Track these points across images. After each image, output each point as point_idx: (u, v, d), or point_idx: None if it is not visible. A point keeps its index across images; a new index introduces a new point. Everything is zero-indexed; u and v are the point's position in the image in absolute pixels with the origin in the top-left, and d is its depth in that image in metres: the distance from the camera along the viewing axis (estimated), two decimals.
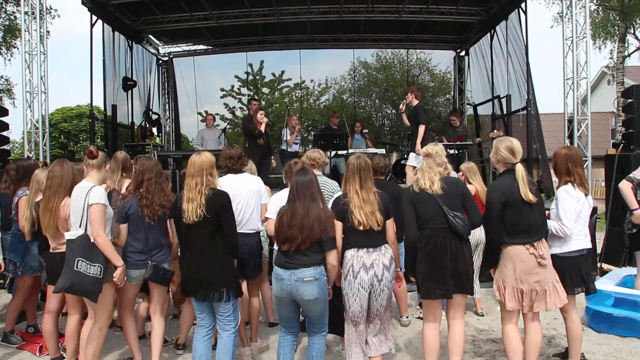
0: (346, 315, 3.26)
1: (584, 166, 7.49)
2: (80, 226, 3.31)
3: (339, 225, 3.21)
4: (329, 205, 3.30)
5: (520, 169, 3.26)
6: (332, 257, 3.12)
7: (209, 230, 3.24)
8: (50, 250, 3.72)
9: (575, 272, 3.51)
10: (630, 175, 4.62)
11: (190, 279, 3.32)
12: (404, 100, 7.40)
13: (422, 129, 6.94)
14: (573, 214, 3.47)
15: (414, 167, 7.01)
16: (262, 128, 7.63)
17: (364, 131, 9.99)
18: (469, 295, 3.44)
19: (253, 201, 3.90)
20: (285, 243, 3.08)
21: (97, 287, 3.26)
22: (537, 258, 3.22)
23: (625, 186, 4.55)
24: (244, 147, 8.22)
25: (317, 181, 3.25)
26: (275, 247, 3.32)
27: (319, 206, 3.12)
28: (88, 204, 3.27)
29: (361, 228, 3.15)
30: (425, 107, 16.43)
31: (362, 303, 3.17)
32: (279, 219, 3.15)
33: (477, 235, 4.46)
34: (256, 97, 10.70)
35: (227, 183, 3.76)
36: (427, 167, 3.38)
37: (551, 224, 3.46)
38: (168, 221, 3.65)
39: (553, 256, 3.41)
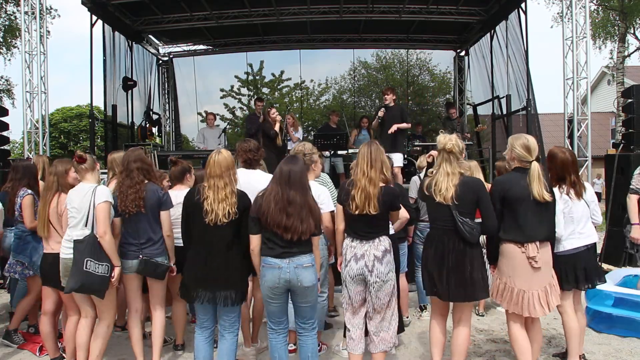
0: (344, 303, 3.37)
1: (584, 166, 7.60)
2: (85, 226, 3.32)
3: (339, 208, 3.23)
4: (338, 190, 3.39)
5: (535, 167, 3.20)
6: (317, 240, 3.21)
7: (234, 232, 3.22)
8: (45, 251, 3.73)
9: (570, 270, 3.53)
10: (632, 186, 4.58)
11: (207, 280, 3.23)
12: (383, 107, 7.12)
13: (408, 126, 7.17)
14: (561, 216, 3.48)
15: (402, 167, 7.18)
16: (277, 127, 7.60)
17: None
18: None
19: None
20: (287, 232, 3.02)
21: (106, 285, 3.32)
22: (529, 259, 3.20)
23: (631, 200, 4.50)
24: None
25: (306, 172, 3.26)
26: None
27: (312, 199, 3.13)
28: (95, 203, 3.29)
29: (357, 212, 3.14)
30: (425, 107, 16.62)
31: (353, 292, 3.25)
32: (274, 202, 3.05)
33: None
34: (262, 98, 10.67)
35: (243, 178, 3.72)
36: (451, 171, 3.19)
37: None
38: (161, 214, 3.59)
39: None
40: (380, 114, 7.10)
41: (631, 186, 4.57)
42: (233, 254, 3.23)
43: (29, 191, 4.15)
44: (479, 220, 3.28)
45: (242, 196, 3.27)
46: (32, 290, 4.26)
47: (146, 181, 3.57)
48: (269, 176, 3.92)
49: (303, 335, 3.27)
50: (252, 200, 3.27)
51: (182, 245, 3.52)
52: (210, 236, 3.22)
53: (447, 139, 3.24)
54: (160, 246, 3.60)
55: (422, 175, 5.25)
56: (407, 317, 4.80)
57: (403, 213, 3.55)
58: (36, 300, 4.36)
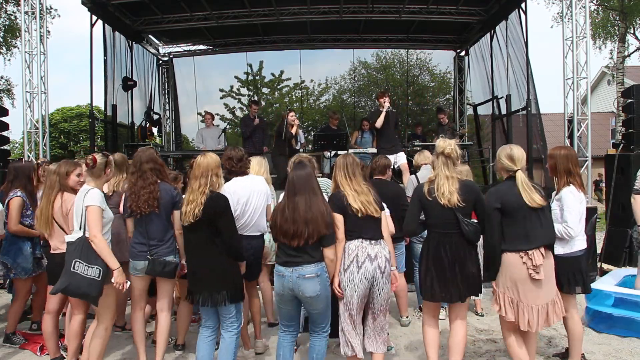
0: (344, 307, 3.19)
1: (584, 166, 7.59)
2: (80, 228, 3.32)
3: (339, 218, 3.19)
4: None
5: (520, 176, 3.20)
6: (331, 251, 3.12)
7: (205, 232, 3.23)
8: (51, 251, 3.73)
9: (577, 271, 3.53)
10: (636, 187, 4.59)
11: (192, 281, 3.32)
12: (385, 108, 7.28)
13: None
14: (577, 215, 3.49)
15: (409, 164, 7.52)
16: (294, 130, 7.61)
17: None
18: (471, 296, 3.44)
19: (262, 203, 3.89)
20: (294, 239, 3.05)
21: (96, 289, 3.22)
22: (529, 269, 3.12)
23: (636, 200, 4.53)
24: (270, 148, 8.25)
25: (315, 176, 3.26)
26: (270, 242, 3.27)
27: (320, 200, 3.13)
28: (85, 206, 3.29)
29: (360, 215, 3.15)
30: (425, 107, 16.61)
31: (362, 294, 3.16)
32: (281, 213, 3.12)
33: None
34: (259, 102, 10.67)
35: (236, 186, 3.74)
36: (450, 175, 3.25)
37: (555, 226, 3.40)
38: (175, 213, 3.59)
39: (556, 257, 3.34)
40: (388, 103, 7.28)
41: (635, 187, 4.57)
42: (209, 255, 3.25)
43: (19, 193, 4.13)
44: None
45: (215, 197, 3.25)
46: (19, 294, 4.27)
47: (159, 181, 3.59)
48: (262, 179, 3.98)
49: (314, 337, 3.32)
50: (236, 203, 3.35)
51: None
52: (188, 237, 3.31)
53: (446, 144, 3.30)
54: (170, 245, 3.61)
55: (419, 174, 5.29)
56: (407, 317, 4.80)
57: (390, 227, 3.51)
58: (41, 297, 4.37)
